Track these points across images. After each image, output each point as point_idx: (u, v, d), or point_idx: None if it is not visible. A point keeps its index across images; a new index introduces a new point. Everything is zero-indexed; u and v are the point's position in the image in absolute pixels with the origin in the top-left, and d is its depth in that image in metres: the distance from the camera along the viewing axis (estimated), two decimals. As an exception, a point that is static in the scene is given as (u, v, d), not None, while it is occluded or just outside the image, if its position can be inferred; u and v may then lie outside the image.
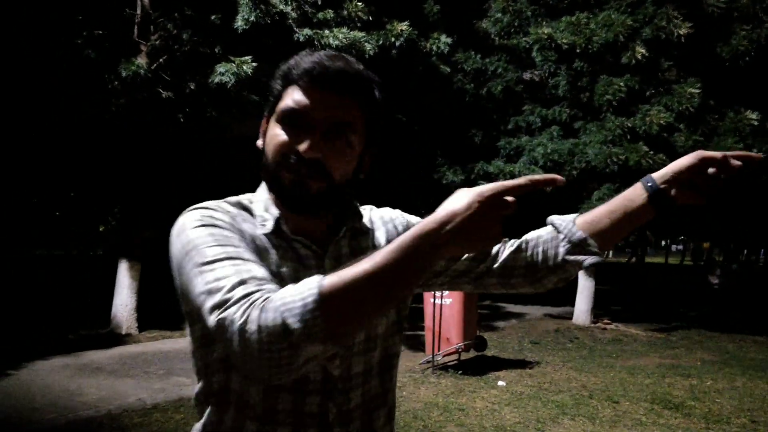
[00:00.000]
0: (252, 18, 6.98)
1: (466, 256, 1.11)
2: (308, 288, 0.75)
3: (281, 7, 7.11)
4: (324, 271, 0.96)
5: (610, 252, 50.98)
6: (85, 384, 5.66)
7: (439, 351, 6.82)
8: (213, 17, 7.69)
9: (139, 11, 7.70)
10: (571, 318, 11.25)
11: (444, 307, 6.81)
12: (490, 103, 11.05)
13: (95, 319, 8.85)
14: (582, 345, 9.04)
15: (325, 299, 0.73)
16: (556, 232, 1.12)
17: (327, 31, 7.39)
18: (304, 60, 0.96)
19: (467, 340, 6.93)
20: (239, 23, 7.07)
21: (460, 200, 0.76)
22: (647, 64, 8.69)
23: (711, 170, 0.99)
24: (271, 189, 1.02)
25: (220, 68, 7.06)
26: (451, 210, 0.75)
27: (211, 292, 0.80)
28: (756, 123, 8.49)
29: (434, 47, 9.20)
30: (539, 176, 0.79)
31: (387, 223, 1.16)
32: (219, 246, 0.87)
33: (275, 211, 1.00)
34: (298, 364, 0.76)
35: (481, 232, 0.76)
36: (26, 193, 13.06)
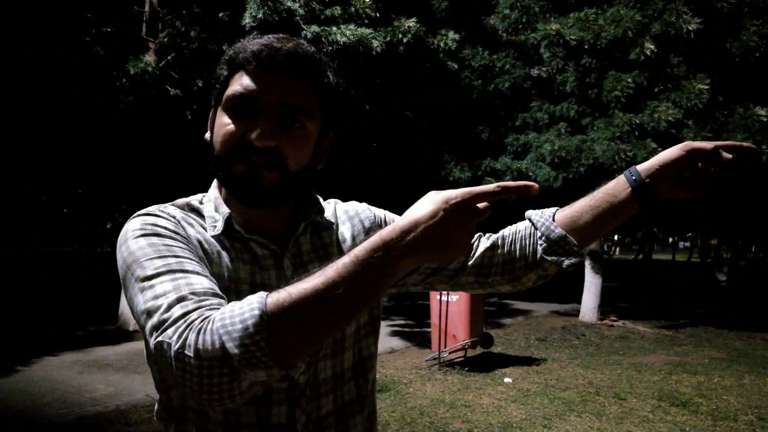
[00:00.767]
0: (260, 15, 6.98)
1: None
2: (249, 307, 0.68)
3: (289, 4, 7.11)
4: (283, 272, 0.92)
5: (617, 249, 50.64)
6: (93, 380, 5.70)
7: (445, 348, 6.83)
8: (221, 14, 7.73)
9: (147, 9, 7.75)
10: (577, 315, 11.23)
11: (450, 303, 6.82)
12: (497, 99, 11.03)
13: (103, 315, 8.93)
14: (589, 342, 9.02)
15: (269, 320, 0.67)
16: (533, 228, 1.05)
17: (334, 28, 7.39)
18: (252, 43, 0.89)
19: (474, 337, 6.94)
20: (247, 20, 7.08)
21: (425, 207, 0.70)
22: (656, 59, 8.63)
23: (700, 164, 0.94)
24: (222, 183, 0.95)
25: (228, 66, 7.08)
26: (414, 218, 0.69)
27: (149, 313, 0.75)
28: (765, 119, 8.42)
29: (442, 43, 9.18)
30: (511, 183, 0.73)
31: (352, 218, 1.08)
32: (159, 258, 0.80)
33: (225, 210, 0.93)
34: (241, 390, 0.70)
35: (448, 242, 0.70)
36: (34, 190, 13.13)
